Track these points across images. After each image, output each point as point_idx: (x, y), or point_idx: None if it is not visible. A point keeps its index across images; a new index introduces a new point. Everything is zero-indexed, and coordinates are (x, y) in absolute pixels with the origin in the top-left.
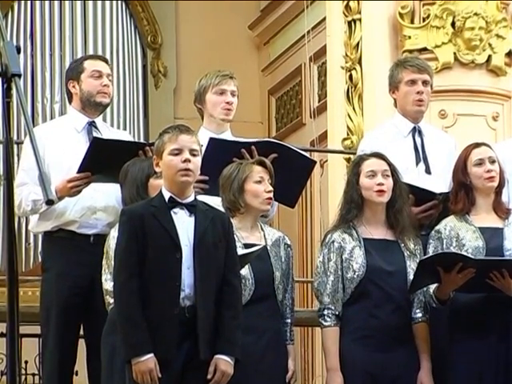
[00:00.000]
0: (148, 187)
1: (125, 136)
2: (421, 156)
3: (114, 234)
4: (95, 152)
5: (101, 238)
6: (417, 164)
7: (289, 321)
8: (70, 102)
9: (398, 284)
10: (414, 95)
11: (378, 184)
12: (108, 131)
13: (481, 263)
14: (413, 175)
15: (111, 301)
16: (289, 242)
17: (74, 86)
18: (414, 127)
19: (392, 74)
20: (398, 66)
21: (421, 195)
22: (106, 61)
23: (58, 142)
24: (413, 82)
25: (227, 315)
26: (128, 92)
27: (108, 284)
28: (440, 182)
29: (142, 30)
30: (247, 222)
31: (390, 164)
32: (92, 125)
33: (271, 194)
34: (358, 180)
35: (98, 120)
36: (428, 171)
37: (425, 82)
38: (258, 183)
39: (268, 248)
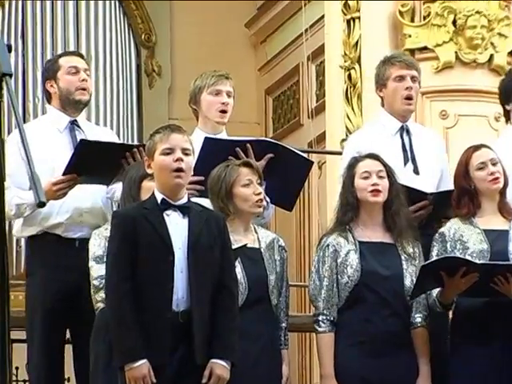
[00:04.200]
0: (141, 188)
1: (108, 134)
2: (409, 156)
3: (93, 238)
4: (82, 154)
5: (86, 243)
6: (405, 164)
7: (283, 325)
8: (50, 102)
9: (394, 289)
10: (403, 91)
11: (373, 184)
12: (91, 130)
13: (485, 267)
14: (401, 175)
15: (99, 298)
16: (283, 244)
17: (52, 86)
18: (402, 126)
19: (379, 71)
20: (385, 63)
21: (411, 195)
22: (81, 56)
23: (41, 143)
24: (401, 78)
25: (223, 319)
26: (121, 92)
27: (96, 280)
28: (428, 182)
29: (136, 29)
30: (239, 225)
31: (385, 165)
32: (74, 124)
33: (261, 196)
34: (352, 182)
35: (80, 118)
36: (416, 171)
37: (413, 78)
38: (247, 186)
39: (262, 251)
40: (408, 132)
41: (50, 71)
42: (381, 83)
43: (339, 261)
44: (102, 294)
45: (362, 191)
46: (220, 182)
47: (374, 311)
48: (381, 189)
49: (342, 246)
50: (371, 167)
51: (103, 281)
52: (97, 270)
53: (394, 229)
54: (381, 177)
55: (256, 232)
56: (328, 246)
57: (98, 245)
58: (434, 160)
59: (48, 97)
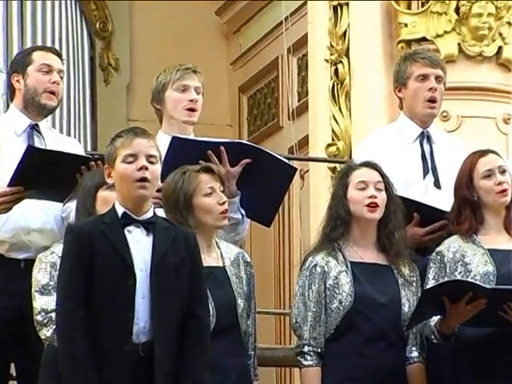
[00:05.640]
0: (96, 199)
1: (72, 144)
2: (429, 166)
3: (38, 264)
4: (29, 163)
5: (33, 264)
6: (424, 176)
7: (252, 353)
8: (12, 98)
9: (390, 317)
10: (426, 93)
11: (370, 197)
12: (53, 137)
13: (494, 293)
14: (419, 189)
15: (43, 336)
16: (249, 260)
17: (18, 81)
18: (423, 132)
19: (399, 68)
20: (407, 60)
21: (427, 214)
22: (58, 54)
23: None
24: (424, 78)
25: (193, 352)
26: (72, 89)
27: (39, 315)
28: (451, 197)
29: (90, 16)
30: (202, 241)
31: (383, 176)
32: (34, 128)
33: (226, 206)
34: (345, 193)
35: (43, 123)
36: (437, 185)
37: (438, 78)
38: (209, 196)
39: (227, 270)
40: (429, 139)
41: (20, 64)
42: (400, 82)
43: (328, 284)
44: (46, 332)
45: (356, 204)
46: (177, 191)
47: (367, 342)
48: (378, 203)
49: (332, 267)
50: (368, 177)
51: (48, 315)
52: (41, 303)
53: (391, 249)
54: (378, 189)
55: (218, 247)
56: (315, 266)
57: (42, 272)
58: (456, 172)
59: (11, 93)
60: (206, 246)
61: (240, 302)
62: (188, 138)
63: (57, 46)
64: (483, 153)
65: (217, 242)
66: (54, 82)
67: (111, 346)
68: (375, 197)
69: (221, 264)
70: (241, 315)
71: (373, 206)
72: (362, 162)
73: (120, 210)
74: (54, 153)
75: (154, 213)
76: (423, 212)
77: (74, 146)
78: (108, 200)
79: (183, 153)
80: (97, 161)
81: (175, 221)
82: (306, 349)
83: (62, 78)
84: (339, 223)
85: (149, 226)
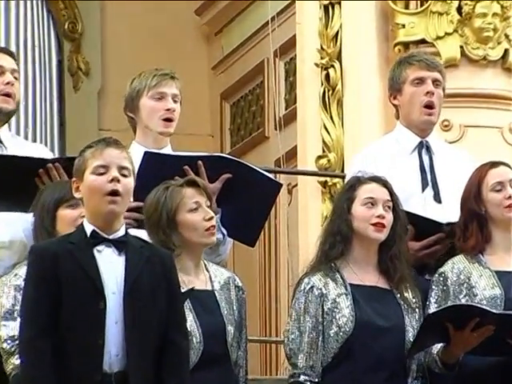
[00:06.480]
0: (56, 218)
1: (40, 151)
2: (429, 179)
3: (1, 287)
4: None
5: None
6: (423, 189)
7: None
8: None
9: (393, 344)
10: (422, 97)
11: (378, 216)
12: (17, 146)
13: (503, 319)
14: (418, 203)
15: (11, 366)
16: (240, 284)
17: None
18: (421, 142)
19: (393, 74)
20: (401, 64)
21: (423, 226)
22: (10, 54)
23: None
24: (420, 81)
25: (169, 383)
26: (38, 96)
27: (5, 343)
28: (452, 212)
29: (58, 16)
30: (188, 262)
31: (392, 194)
32: None
33: (213, 222)
34: (350, 207)
35: (3, 131)
36: (437, 199)
37: (436, 82)
38: (194, 211)
39: (216, 294)
40: (428, 149)
41: None
42: (395, 88)
43: (327, 307)
44: (15, 361)
45: (361, 221)
46: (160, 208)
47: (367, 372)
48: (386, 224)
49: (330, 289)
50: (378, 194)
51: (16, 343)
52: (6, 330)
53: (395, 274)
54: (387, 208)
55: (207, 270)
56: (312, 288)
57: (6, 297)
58: (460, 185)
59: None
60: (193, 266)
61: (230, 328)
62: (162, 152)
63: (22, 49)
64: (494, 164)
65: (205, 265)
66: (7, 83)
67: (80, 375)
68: (383, 217)
69: (209, 287)
70: (231, 344)
71: (380, 226)
72: (372, 176)
73: (89, 229)
74: (5, 157)
75: (126, 231)
76: (419, 224)
77: (40, 151)
78: (68, 219)
79: (157, 169)
80: (55, 162)
81: (158, 241)
82: (302, 378)
83: (16, 78)
84: (339, 239)
85: (120, 245)
